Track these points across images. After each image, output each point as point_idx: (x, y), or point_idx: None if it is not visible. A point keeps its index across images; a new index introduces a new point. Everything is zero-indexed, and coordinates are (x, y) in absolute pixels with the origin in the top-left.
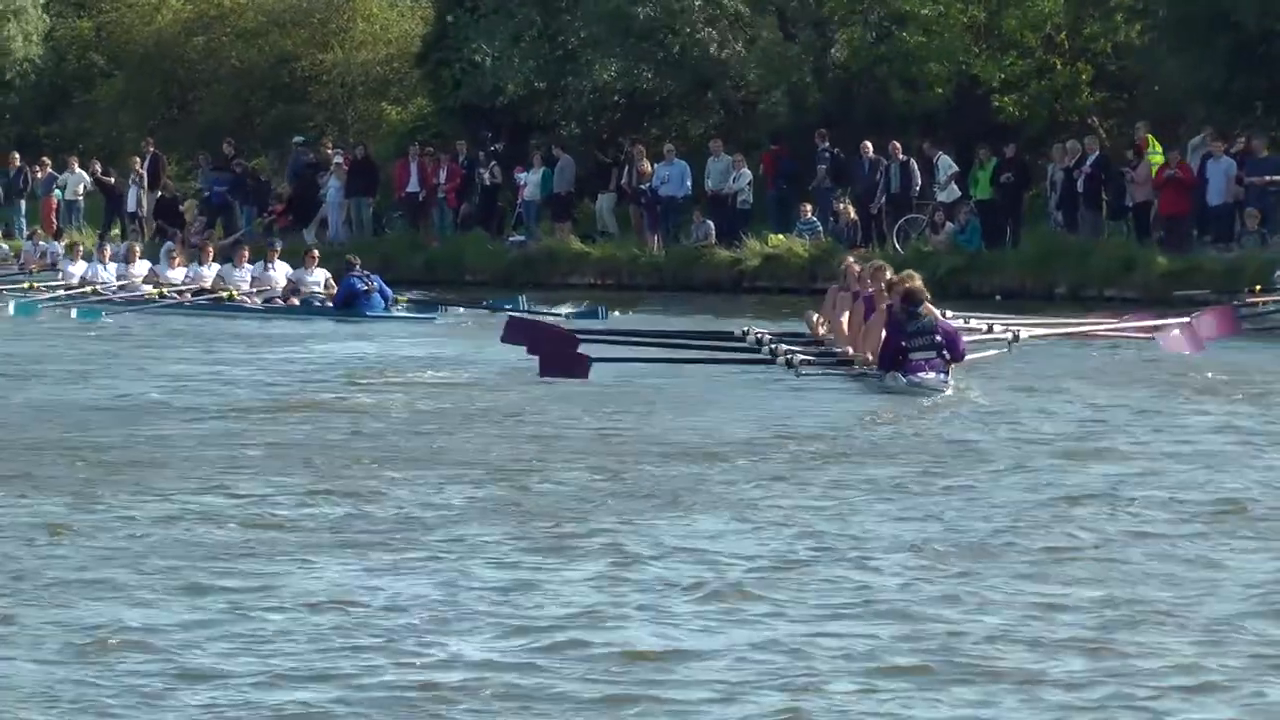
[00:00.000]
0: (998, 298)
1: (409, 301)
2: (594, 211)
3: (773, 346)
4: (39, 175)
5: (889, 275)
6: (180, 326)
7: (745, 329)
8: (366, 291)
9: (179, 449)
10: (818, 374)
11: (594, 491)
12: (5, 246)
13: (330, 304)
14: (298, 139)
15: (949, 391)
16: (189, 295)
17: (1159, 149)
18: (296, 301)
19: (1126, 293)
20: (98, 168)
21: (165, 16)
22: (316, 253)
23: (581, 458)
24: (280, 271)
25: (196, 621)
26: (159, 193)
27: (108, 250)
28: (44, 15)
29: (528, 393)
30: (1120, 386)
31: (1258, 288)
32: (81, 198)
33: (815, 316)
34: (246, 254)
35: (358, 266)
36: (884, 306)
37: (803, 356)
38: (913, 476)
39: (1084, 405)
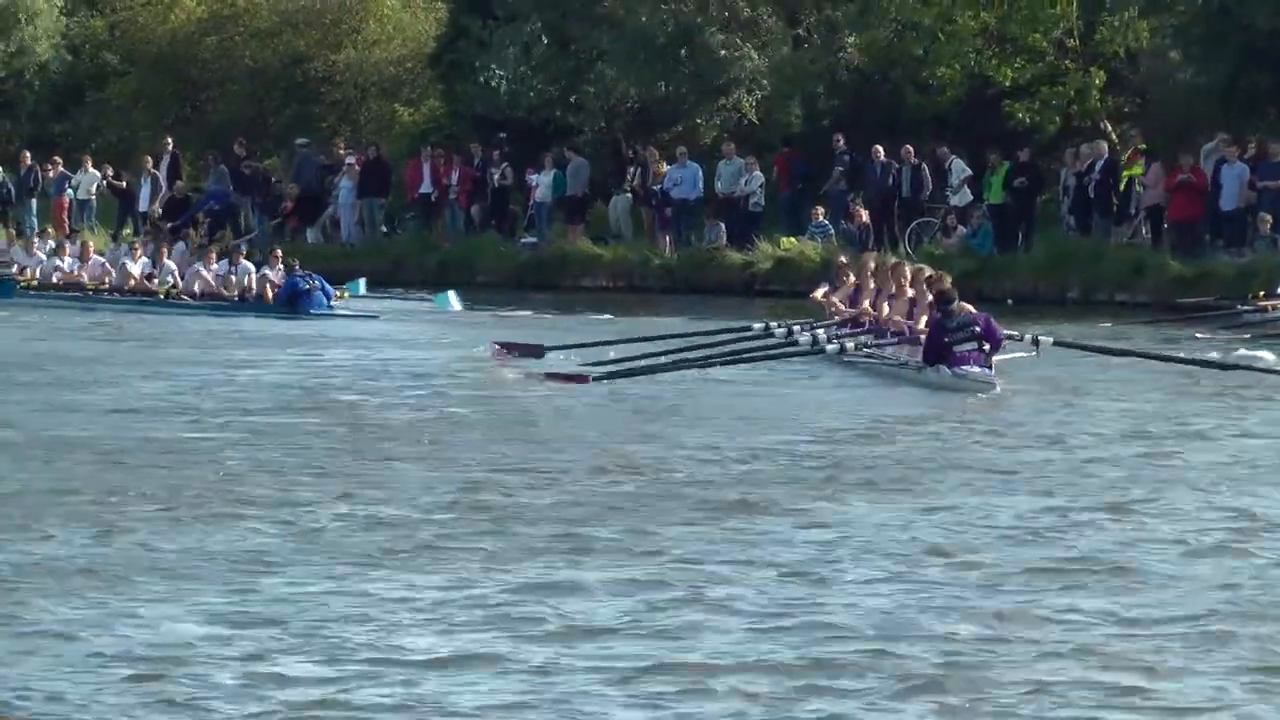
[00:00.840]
0: (1009, 302)
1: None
2: (607, 213)
3: (813, 334)
4: (50, 175)
5: (908, 271)
6: (105, 320)
7: (767, 324)
8: (308, 290)
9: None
10: (866, 359)
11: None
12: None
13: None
14: (301, 141)
15: (998, 390)
16: (112, 291)
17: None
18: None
19: (1139, 297)
20: (110, 172)
21: (179, 16)
22: (280, 251)
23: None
24: (244, 270)
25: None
26: (172, 192)
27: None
28: (60, 16)
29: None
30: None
31: (1261, 294)
32: (94, 197)
33: (822, 290)
34: (243, 253)
35: (298, 267)
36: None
37: (853, 342)
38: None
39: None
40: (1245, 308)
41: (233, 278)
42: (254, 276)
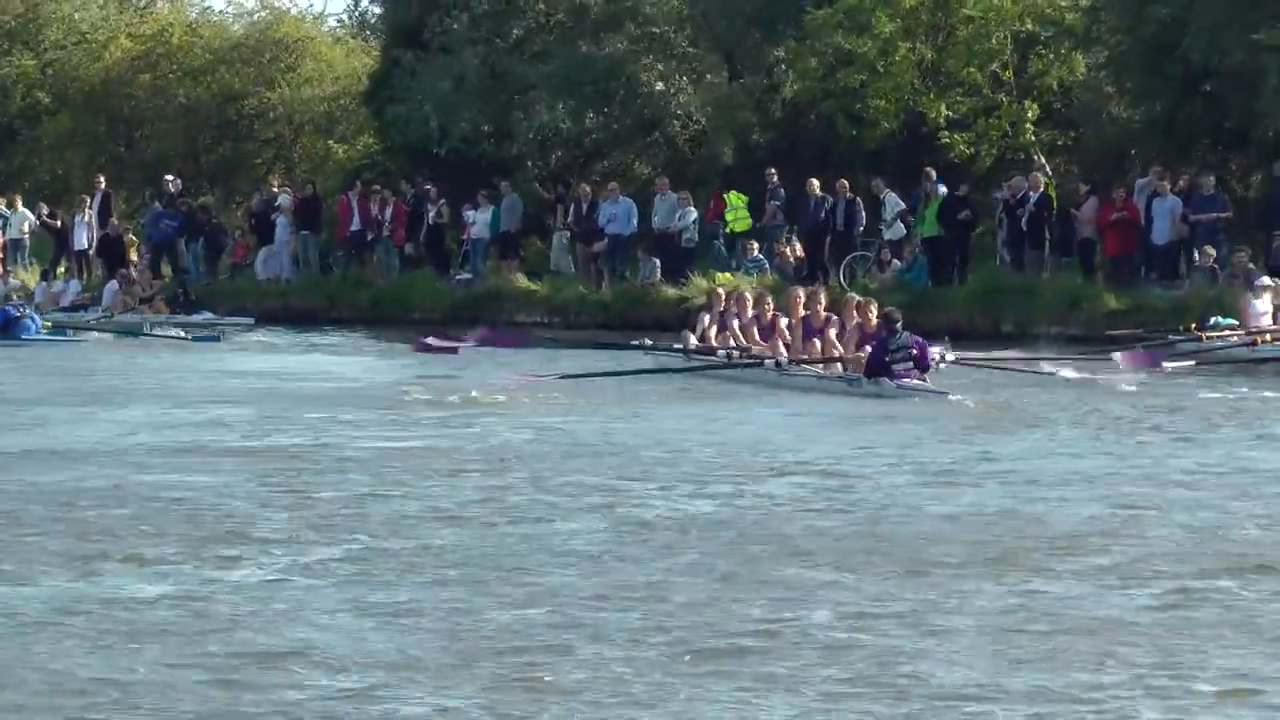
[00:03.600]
0: (946, 338)
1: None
2: (545, 250)
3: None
4: None
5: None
6: None
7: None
8: (20, 318)
9: None
10: (802, 374)
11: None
12: None
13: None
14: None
15: (951, 398)
16: None
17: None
18: None
19: (1073, 330)
20: (44, 210)
21: (113, 54)
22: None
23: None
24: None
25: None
26: (105, 230)
27: None
28: None
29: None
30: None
31: (1194, 325)
32: (27, 236)
33: (705, 322)
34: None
35: (15, 298)
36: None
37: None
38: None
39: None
40: (1177, 338)
41: None
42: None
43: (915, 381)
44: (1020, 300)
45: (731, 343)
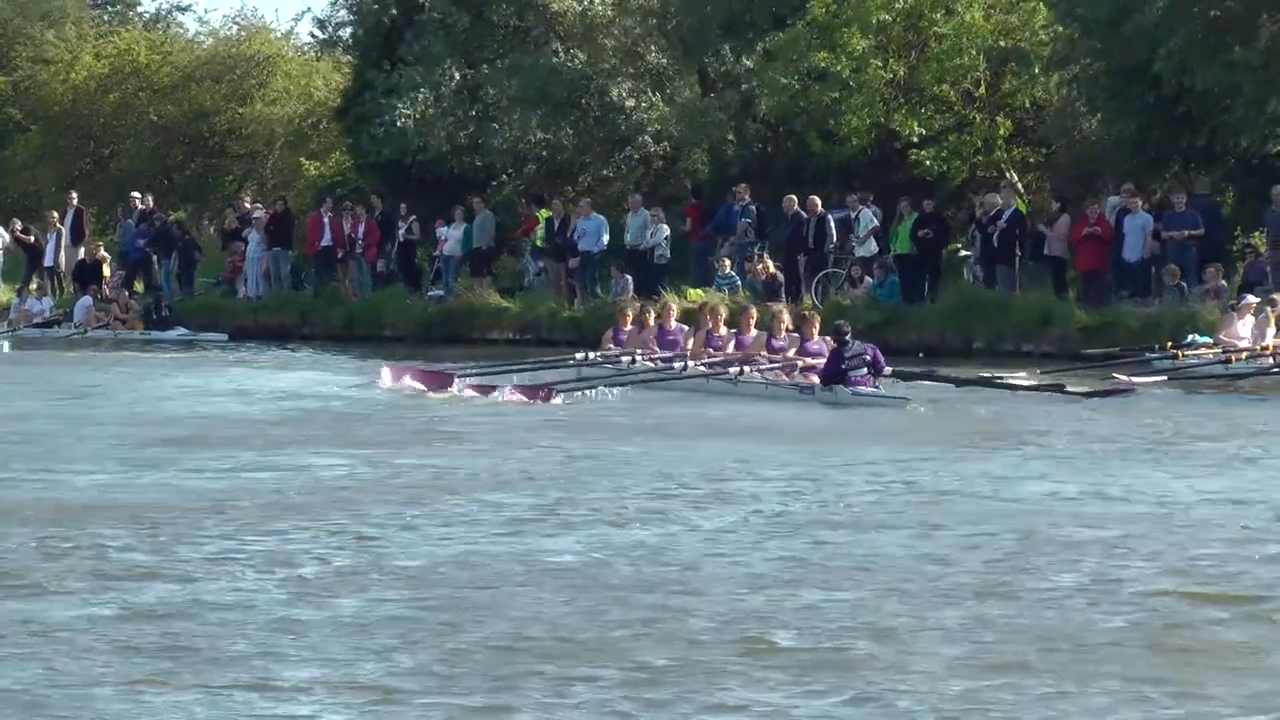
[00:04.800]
0: (920, 355)
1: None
2: (518, 267)
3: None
4: None
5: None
6: None
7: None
8: None
9: None
10: (759, 384)
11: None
12: None
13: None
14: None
15: (910, 404)
16: None
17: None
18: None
19: (1044, 347)
20: (18, 226)
21: (80, 73)
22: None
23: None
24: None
25: None
26: (81, 249)
27: None
28: None
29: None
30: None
31: (1169, 344)
32: (0, 253)
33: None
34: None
35: None
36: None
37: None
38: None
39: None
40: (1153, 355)
41: None
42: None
43: (870, 389)
44: (992, 317)
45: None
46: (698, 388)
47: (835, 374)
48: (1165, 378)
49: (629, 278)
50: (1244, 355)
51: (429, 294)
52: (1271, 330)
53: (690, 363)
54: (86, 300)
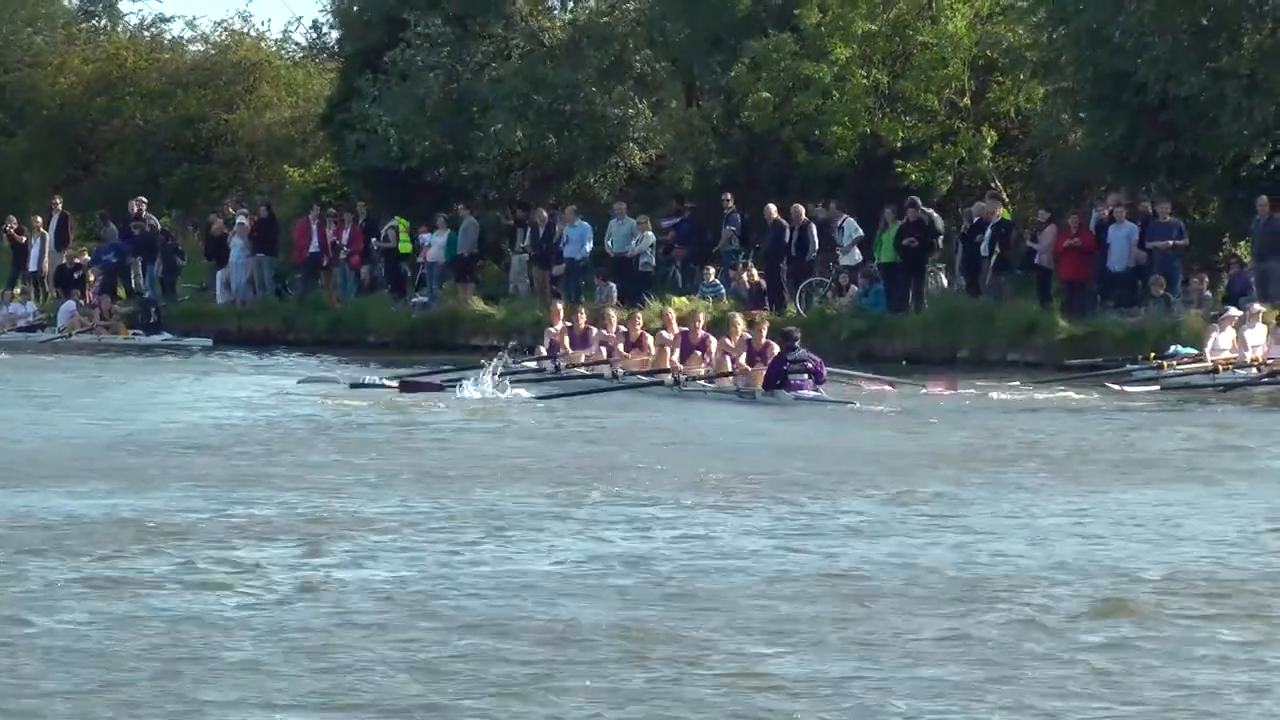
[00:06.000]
0: (904, 363)
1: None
2: (501, 273)
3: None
4: None
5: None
6: None
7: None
8: None
9: None
10: (700, 390)
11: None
12: None
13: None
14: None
15: (857, 405)
16: None
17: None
18: None
19: (1029, 356)
20: (13, 224)
21: (68, 77)
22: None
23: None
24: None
25: None
26: (64, 255)
27: None
28: None
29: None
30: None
31: (1153, 354)
32: None
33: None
34: None
35: None
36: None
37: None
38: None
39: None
40: (1135, 366)
41: None
42: None
43: (812, 393)
44: (976, 326)
45: (583, 358)
46: (633, 390)
47: (777, 377)
48: (1158, 388)
49: (613, 285)
50: (1230, 365)
51: (413, 300)
52: (1260, 340)
53: (619, 369)
54: (70, 305)
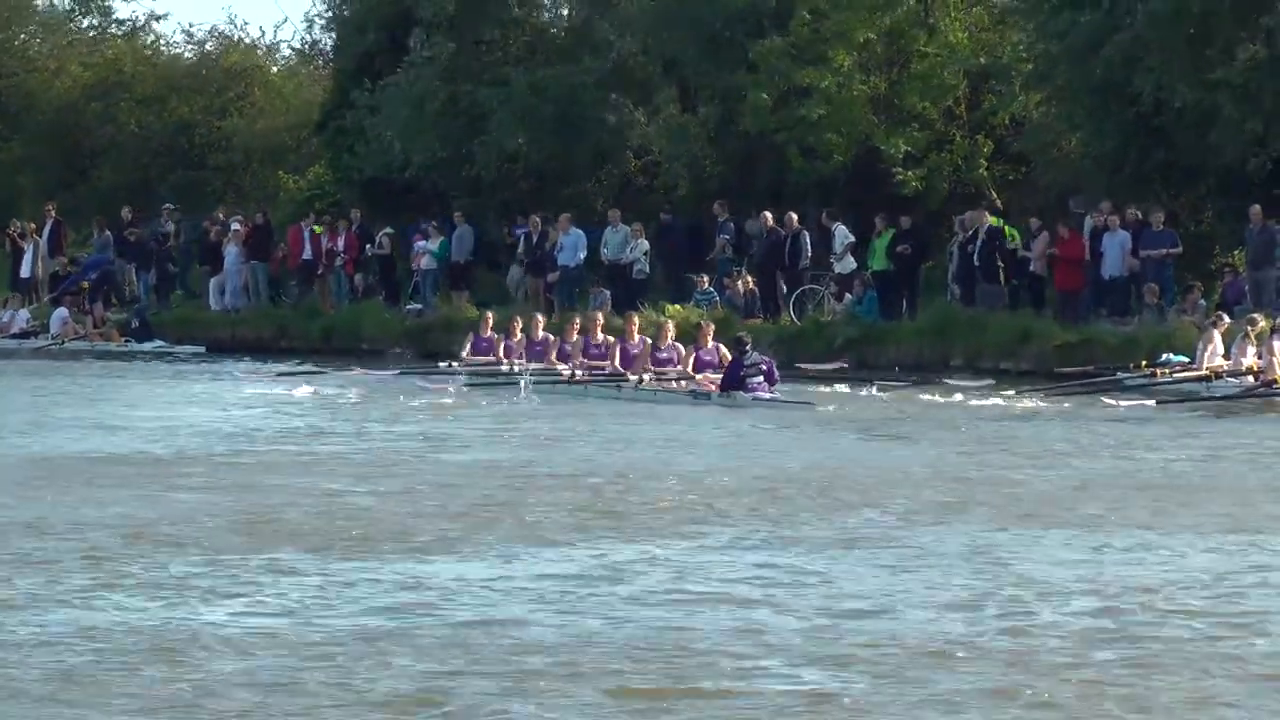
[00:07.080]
0: (896, 369)
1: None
2: (499, 281)
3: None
4: None
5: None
6: None
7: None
8: None
9: None
10: (656, 392)
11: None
12: None
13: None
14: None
15: (816, 406)
16: None
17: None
18: None
19: (1022, 364)
20: (16, 227)
21: (65, 82)
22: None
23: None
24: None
25: None
26: (58, 261)
27: None
28: None
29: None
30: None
31: (1145, 363)
32: None
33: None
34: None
35: None
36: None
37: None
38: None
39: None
40: (1126, 375)
41: None
42: None
43: (769, 395)
44: (970, 334)
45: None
46: (583, 394)
47: (734, 381)
48: (1154, 402)
49: (607, 293)
50: (1223, 375)
51: (407, 307)
52: (1251, 350)
53: (575, 369)
54: (63, 312)
